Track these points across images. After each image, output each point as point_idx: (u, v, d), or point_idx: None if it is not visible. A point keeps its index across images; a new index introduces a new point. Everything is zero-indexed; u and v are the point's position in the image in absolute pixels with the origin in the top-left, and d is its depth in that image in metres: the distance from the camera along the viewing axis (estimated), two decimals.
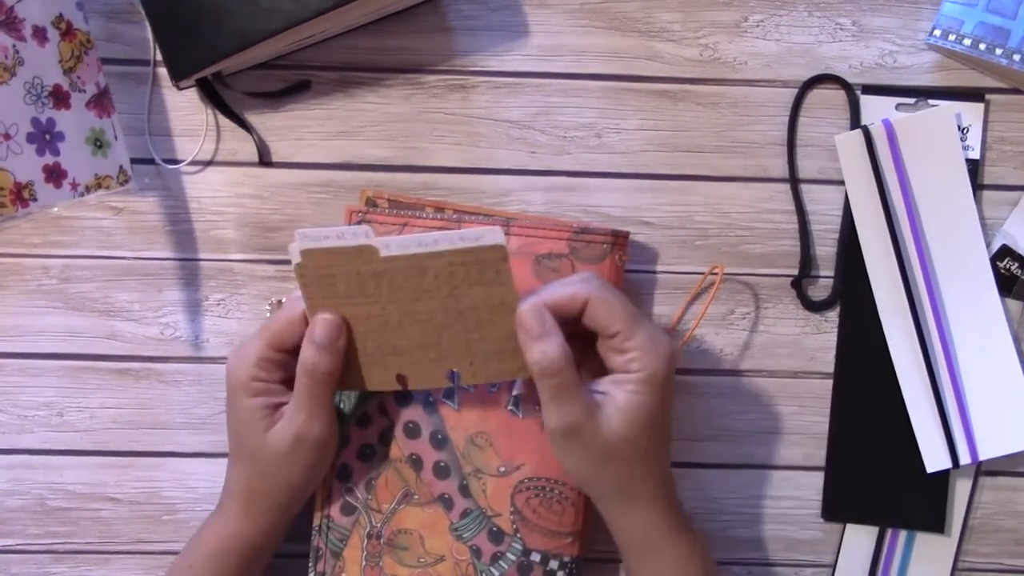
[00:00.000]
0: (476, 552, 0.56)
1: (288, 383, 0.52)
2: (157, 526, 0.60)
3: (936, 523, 0.59)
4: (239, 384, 0.52)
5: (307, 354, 0.51)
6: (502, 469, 0.55)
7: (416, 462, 0.56)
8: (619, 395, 0.49)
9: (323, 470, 0.54)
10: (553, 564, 0.56)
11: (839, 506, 0.60)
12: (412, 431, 0.56)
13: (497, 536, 0.56)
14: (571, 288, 0.50)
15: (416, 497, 0.56)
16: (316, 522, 0.57)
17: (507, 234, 0.55)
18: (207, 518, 0.55)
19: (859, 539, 0.60)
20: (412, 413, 0.56)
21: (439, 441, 0.56)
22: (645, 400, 0.49)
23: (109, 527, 0.60)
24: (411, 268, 0.49)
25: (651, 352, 0.49)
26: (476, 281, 0.49)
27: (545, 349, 0.48)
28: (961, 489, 0.59)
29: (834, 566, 0.60)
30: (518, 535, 0.56)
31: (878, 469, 0.59)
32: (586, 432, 0.49)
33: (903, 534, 0.60)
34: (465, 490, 0.56)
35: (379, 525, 0.56)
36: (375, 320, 0.51)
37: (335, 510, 0.57)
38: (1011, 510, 0.60)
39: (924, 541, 0.60)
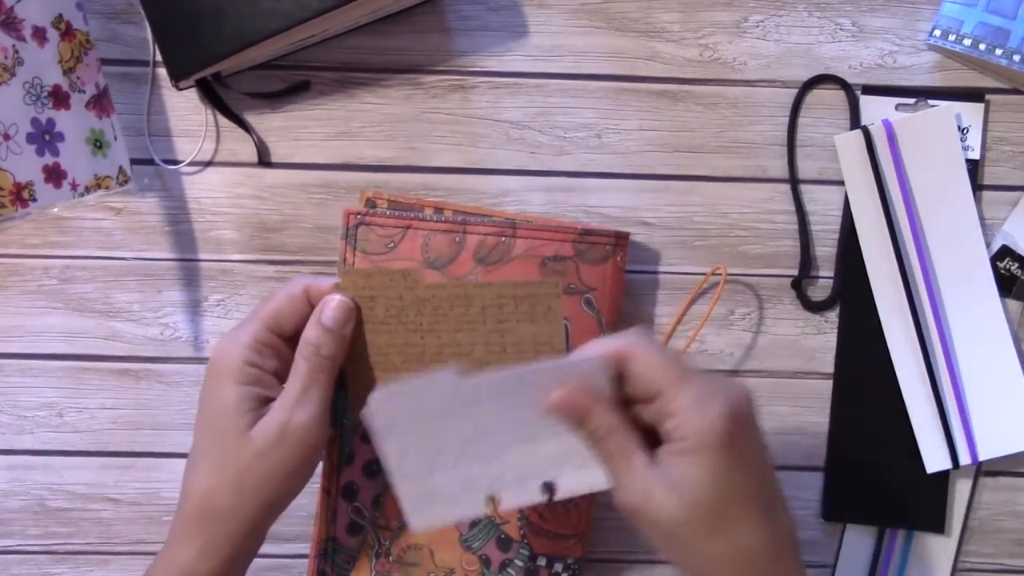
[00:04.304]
0: (485, 561, 0.56)
1: (282, 377, 0.47)
2: (157, 527, 0.60)
3: (936, 523, 0.59)
4: (229, 367, 0.46)
5: (311, 334, 0.46)
6: None
7: None
8: (671, 470, 0.41)
9: (300, 484, 0.48)
10: (558, 567, 0.56)
11: (839, 506, 0.60)
12: None
13: (505, 543, 0.56)
14: (609, 345, 0.43)
15: None
16: (321, 546, 0.56)
17: (514, 236, 0.55)
18: (159, 553, 0.48)
19: (859, 539, 0.60)
20: None
21: None
22: (700, 473, 0.41)
23: (109, 528, 0.60)
24: (457, 297, 0.47)
25: (698, 415, 0.41)
26: (525, 316, 0.46)
27: (587, 429, 0.43)
28: (961, 489, 0.59)
29: (834, 566, 0.60)
30: (525, 541, 0.55)
31: (878, 469, 0.59)
32: (646, 512, 0.42)
33: (903, 534, 0.60)
34: None
35: (388, 543, 0.56)
36: (412, 349, 0.48)
37: (341, 531, 0.56)
38: (1011, 510, 0.60)
39: (924, 541, 0.60)
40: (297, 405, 0.46)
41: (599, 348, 0.44)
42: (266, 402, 0.47)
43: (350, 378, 0.50)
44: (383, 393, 0.44)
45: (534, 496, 0.46)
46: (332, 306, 0.47)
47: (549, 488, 0.46)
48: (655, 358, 0.42)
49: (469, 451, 0.45)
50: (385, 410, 0.44)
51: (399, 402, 0.44)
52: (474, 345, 0.48)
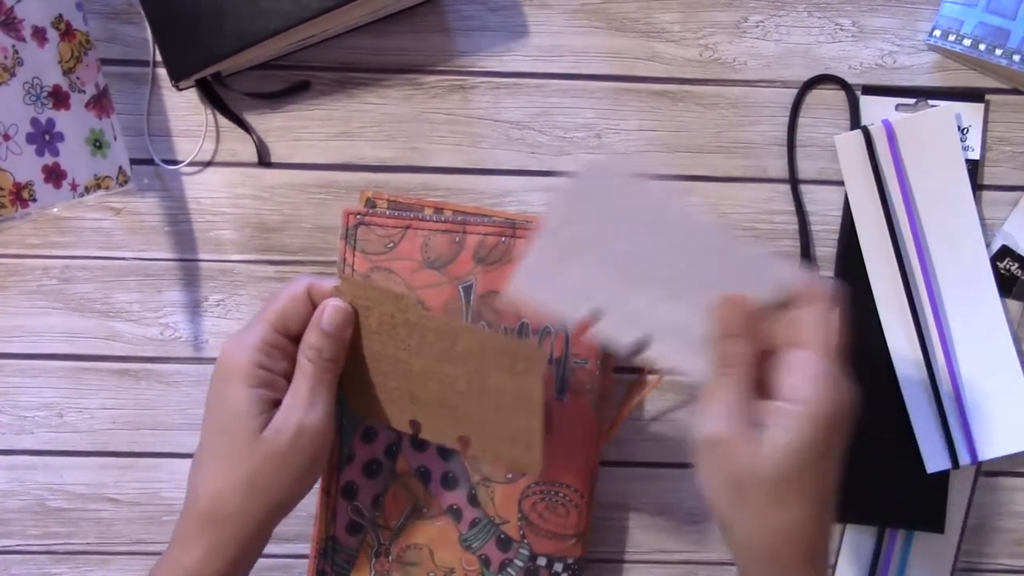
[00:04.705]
0: (485, 561, 0.56)
1: (291, 378, 0.48)
2: (157, 527, 0.60)
3: (936, 523, 0.59)
4: (238, 370, 0.46)
5: (312, 338, 0.47)
6: (509, 476, 0.55)
7: (424, 475, 0.56)
8: (771, 428, 0.42)
9: (308, 485, 0.49)
10: (558, 567, 0.56)
11: (839, 506, 0.59)
12: (420, 443, 0.56)
13: (505, 543, 0.56)
14: (801, 275, 0.43)
15: (425, 511, 0.56)
16: (320, 546, 0.56)
17: (514, 236, 0.55)
18: (163, 554, 0.48)
19: (859, 539, 0.60)
20: None
21: (447, 452, 0.55)
22: (795, 442, 0.41)
23: (109, 528, 0.60)
24: (443, 332, 0.47)
25: (824, 390, 0.41)
26: (505, 368, 0.46)
27: (730, 347, 0.43)
28: (961, 489, 0.59)
29: (834, 566, 0.60)
30: (525, 541, 0.56)
31: (878, 469, 0.59)
32: (726, 450, 0.42)
33: (903, 534, 0.60)
34: (474, 499, 0.55)
35: (387, 542, 0.56)
36: (399, 364, 0.49)
37: (340, 530, 0.56)
38: (1011, 510, 0.60)
39: (924, 541, 0.60)
40: (308, 406, 0.47)
41: (791, 272, 0.43)
42: (275, 404, 0.47)
43: (346, 378, 0.50)
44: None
45: (623, 341, 0.46)
46: (330, 311, 0.47)
47: (641, 345, 0.46)
48: (823, 318, 0.42)
49: (611, 262, 0.45)
50: (585, 185, 0.45)
51: (600, 185, 0.44)
52: (456, 379, 0.48)
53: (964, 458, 0.57)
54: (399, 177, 0.59)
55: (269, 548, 0.50)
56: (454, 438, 0.50)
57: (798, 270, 0.44)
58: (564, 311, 0.47)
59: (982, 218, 0.59)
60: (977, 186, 0.59)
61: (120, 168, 0.56)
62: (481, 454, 0.50)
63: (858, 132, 0.58)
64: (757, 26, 0.59)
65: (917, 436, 0.58)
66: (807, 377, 0.42)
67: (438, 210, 0.57)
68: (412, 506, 0.56)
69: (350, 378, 0.50)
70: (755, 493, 0.42)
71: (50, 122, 0.52)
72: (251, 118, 0.58)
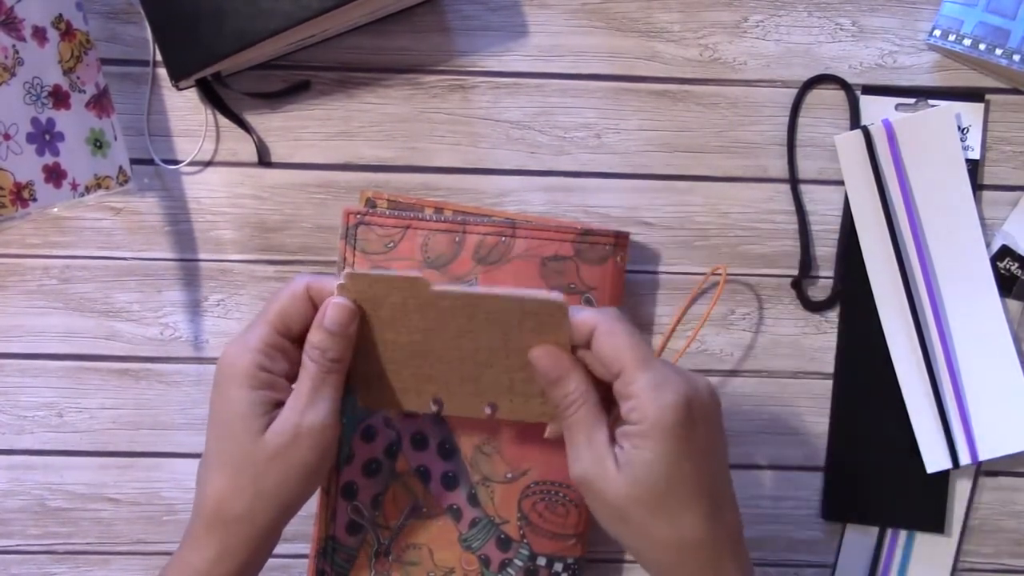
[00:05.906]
0: (485, 561, 0.56)
1: (293, 379, 0.48)
2: (157, 527, 0.60)
3: (936, 523, 0.59)
4: (240, 372, 0.46)
5: (316, 338, 0.46)
6: (509, 475, 0.55)
7: (424, 474, 0.56)
8: (625, 450, 0.43)
9: (315, 485, 0.49)
10: (558, 567, 0.56)
11: (839, 506, 0.60)
12: (420, 443, 0.56)
13: (505, 543, 0.56)
14: (581, 315, 0.45)
15: (424, 510, 0.56)
16: (320, 545, 0.56)
17: (513, 236, 0.55)
18: (174, 554, 0.48)
19: (859, 539, 0.60)
20: (419, 424, 0.55)
21: (447, 451, 0.55)
22: (649, 457, 0.42)
23: (109, 528, 0.60)
24: (461, 307, 0.46)
25: (653, 399, 0.42)
26: (529, 328, 0.46)
27: (562, 391, 0.45)
28: (961, 489, 0.59)
29: (834, 566, 0.60)
30: (525, 541, 0.56)
31: (878, 469, 0.59)
32: (596, 485, 0.43)
33: (903, 534, 0.60)
34: (474, 499, 0.55)
35: (387, 542, 0.56)
36: (415, 347, 0.48)
37: (340, 530, 0.56)
38: (1011, 510, 0.60)
39: (924, 541, 0.60)
40: (308, 406, 0.46)
41: (572, 314, 0.45)
42: (278, 405, 0.47)
43: (356, 377, 0.50)
44: (354, 274, 0.46)
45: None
46: (332, 309, 0.47)
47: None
48: (623, 337, 0.44)
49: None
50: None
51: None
52: (477, 350, 0.48)
53: (964, 458, 0.58)
54: (399, 177, 0.59)
55: None
56: (479, 407, 0.50)
57: (572, 309, 0.46)
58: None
59: (982, 218, 0.59)
60: (977, 186, 0.59)
61: (120, 168, 0.56)
62: (509, 415, 0.49)
63: (858, 132, 0.58)
64: (757, 26, 0.59)
65: (917, 436, 0.58)
66: (637, 397, 0.43)
67: (438, 210, 0.57)
68: (412, 506, 0.56)
69: (361, 376, 0.50)
70: (637, 516, 0.43)
71: (50, 122, 0.52)
72: (251, 118, 0.58)
